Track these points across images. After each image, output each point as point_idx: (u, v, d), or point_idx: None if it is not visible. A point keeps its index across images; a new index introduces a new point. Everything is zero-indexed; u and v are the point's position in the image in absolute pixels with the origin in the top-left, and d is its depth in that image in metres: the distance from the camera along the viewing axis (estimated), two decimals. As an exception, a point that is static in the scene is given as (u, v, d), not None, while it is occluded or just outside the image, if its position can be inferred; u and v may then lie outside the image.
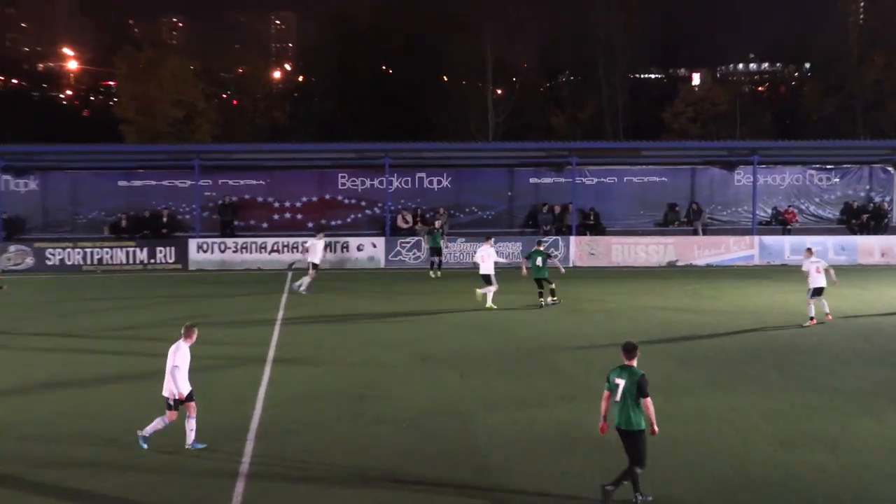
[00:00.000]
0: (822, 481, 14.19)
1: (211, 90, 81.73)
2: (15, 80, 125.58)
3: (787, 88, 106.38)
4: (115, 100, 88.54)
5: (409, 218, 46.00)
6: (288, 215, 46.95)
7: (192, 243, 43.26)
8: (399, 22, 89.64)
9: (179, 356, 15.68)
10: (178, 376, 15.55)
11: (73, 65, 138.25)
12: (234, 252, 43.22)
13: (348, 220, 47.05)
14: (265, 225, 46.71)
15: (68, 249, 42.62)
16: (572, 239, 43.76)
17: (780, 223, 47.29)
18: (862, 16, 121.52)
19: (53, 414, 18.03)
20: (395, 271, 42.24)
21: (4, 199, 44.82)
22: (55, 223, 46.21)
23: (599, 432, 13.76)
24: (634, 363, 13.42)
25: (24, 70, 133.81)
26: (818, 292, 28.35)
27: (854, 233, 46.29)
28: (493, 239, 34.70)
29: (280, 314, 30.05)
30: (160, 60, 77.86)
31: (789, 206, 47.82)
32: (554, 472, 14.61)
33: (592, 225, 46.08)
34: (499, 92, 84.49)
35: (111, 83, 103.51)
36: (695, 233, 46.07)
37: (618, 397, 13.19)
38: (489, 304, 31.21)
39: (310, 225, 46.23)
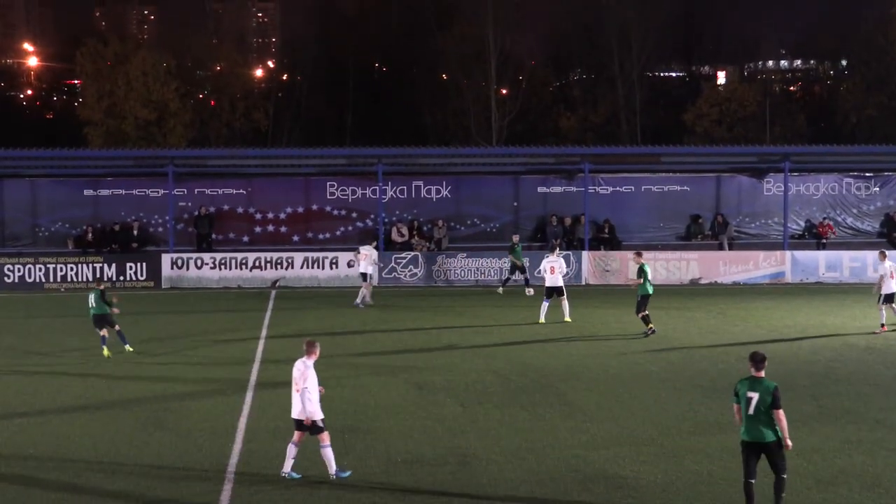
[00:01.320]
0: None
1: (185, 89, 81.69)
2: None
3: (823, 88, 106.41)
4: (80, 100, 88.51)
5: (405, 231, 45.96)
6: (271, 228, 46.92)
7: (166, 259, 43.26)
8: (391, 10, 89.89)
9: (310, 377, 16.18)
10: (313, 399, 16.13)
11: (32, 61, 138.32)
12: (212, 268, 43.21)
13: (338, 233, 47.02)
14: (246, 238, 46.70)
15: (28, 265, 42.61)
16: (584, 254, 43.76)
17: (815, 237, 47.30)
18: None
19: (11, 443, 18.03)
20: (389, 289, 42.20)
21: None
22: (13, 236, 46.18)
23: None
24: (763, 374, 14.32)
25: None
26: (889, 299, 28.86)
27: (896, 247, 46.29)
28: (557, 249, 35.24)
29: (262, 336, 30.05)
30: (128, 56, 77.96)
31: (824, 218, 47.80)
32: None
33: (607, 238, 46.08)
34: (503, 92, 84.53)
35: (75, 81, 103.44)
36: (720, 247, 46.09)
37: (751, 410, 14.01)
38: (567, 318, 32.12)
39: (295, 238, 46.38)
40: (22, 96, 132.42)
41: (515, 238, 41.69)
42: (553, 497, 15.21)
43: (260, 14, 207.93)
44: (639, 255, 31.01)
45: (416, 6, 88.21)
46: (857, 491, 15.37)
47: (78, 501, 15.17)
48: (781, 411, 14.00)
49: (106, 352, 26.95)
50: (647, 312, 29.87)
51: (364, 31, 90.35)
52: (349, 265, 42.74)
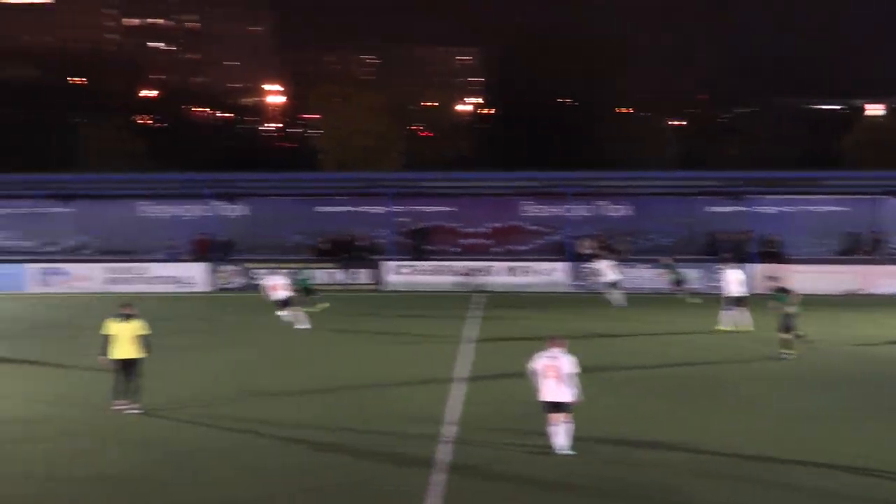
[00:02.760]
0: None
1: (400, 122, 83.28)
2: (225, 114, 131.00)
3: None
4: (320, 131, 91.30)
5: (591, 244, 45.59)
6: (475, 240, 47.33)
7: (388, 265, 44.04)
8: (578, 54, 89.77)
9: (574, 364, 16.20)
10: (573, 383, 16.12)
11: (276, 99, 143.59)
12: (426, 274, 43.77)
13: (532, 245, 47.08)
14: (454, 249, 47.18)
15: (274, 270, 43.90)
16: (752, 267, 42.45)
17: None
18: None
19: (209, 428, 18.56)
20: (577, 295, 41.74)
21: (217, 223, 46.67)
22: (262, 245, 47.76)
23: None
24: None
25: (230, 104, 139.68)
26: None
27: None
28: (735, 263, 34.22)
29: (469, 333, 30.09)
30: (353, 95, 79.98)
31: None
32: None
33: (774, 253, 44.67)
34: (675, 123, 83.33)
35: (311, 116, 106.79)
36: (876, 262, 44.13)
37: None
38: (748, 327, 30.36)
39: (497, 250, 46.78)
40: (269, 128, 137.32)
41: (668, 259, 40.87)
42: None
43: (464, 57, 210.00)
44: (772, 283, 28.06)
45: (597, 54, 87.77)
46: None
47: (302, 477, 15.52)
48: None
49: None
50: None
51: (554, 74, 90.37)
52: (542, 274, 42.85)
